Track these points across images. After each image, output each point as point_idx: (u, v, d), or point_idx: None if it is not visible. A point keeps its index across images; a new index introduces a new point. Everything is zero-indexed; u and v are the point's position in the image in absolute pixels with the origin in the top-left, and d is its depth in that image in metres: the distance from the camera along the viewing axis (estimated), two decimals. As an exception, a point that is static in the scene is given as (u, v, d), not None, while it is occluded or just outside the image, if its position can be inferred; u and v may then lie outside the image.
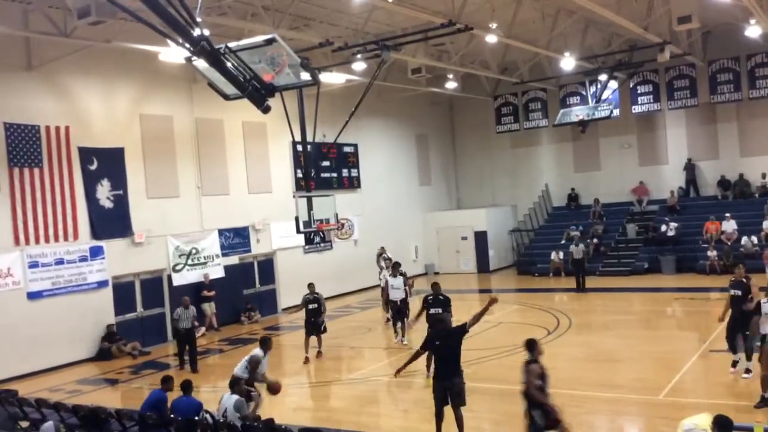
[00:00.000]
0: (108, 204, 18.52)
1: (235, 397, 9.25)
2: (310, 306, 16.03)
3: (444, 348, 9.70)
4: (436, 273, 30.41)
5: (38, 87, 17.19)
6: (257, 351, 11.01)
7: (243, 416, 9.11)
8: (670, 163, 28.65)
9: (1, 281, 16.19)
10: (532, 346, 8.62)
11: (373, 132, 28.16)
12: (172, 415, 9.68)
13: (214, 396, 12.88)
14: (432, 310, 13.10)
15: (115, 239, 18.62)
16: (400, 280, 17.05)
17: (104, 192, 18.44)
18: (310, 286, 16.47)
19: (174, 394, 10.23)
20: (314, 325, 16.01)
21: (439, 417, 9.67)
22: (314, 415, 11.84)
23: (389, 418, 11.80)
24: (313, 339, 16.19)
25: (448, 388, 9.54)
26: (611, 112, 24.85)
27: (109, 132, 18.65)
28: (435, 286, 13.84)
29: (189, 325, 15.79)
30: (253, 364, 10.80)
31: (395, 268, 17.60)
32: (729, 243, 24.59)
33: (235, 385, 9.44)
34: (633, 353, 14.61)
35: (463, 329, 9.88)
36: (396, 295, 16.96)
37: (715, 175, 27.60)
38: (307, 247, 24.75)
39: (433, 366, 10.10)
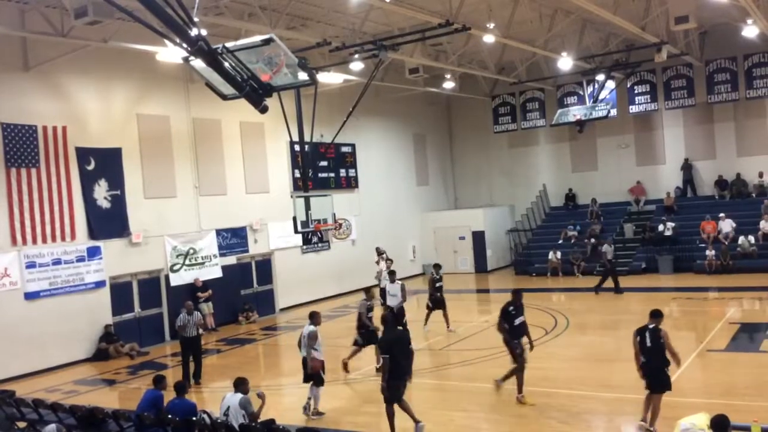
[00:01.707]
0: (105, 204, 18.50)
1: (240, 395, 9.33)
2: (370, 314, 14.45)
3: (399, 352, 10.24)
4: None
5: (35, 87, 17.16)
6: (311, 326, 11.87)
7: (249, 413, 9.17)
8: (667, 163, 28.69)
9: (-1, 281, 16.17)
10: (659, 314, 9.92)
11: (370, 132, 28.16)
12: (169, 416, 9.68)
13: (210, 396, 12.91)
14: (516, 321, 11.87)
15: (113, 239, 18.59)
16: (397, 286, 16.66)
17: (101, 192, 18.41)
18: (369, 291, 14.90)
19: (167, 394, 10.23)
20: (371, 333, 14.22)
21: (393, 415, 10.23)
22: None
23: (386, 417, 11.78)
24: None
25: (405, 386, 10.29)
26: (608, 112, 24.87)
27: (106, 132, 18.63)
28: (516, 293, 12.24)
29: (195, 332, 14.63)
30: (312, 337, 11.68)
31: (393, 275, 17.14)
32: (726, 243, 24.63)
33: (240, 384, 9.51)
34: (630, 353, 14.56)
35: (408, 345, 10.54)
36: (393, 301, 16.43)
37: (713, 175, 27.66)
38: (304, 247, 24.75)
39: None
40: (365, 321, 14.40)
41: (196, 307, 19.27)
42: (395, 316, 16.05)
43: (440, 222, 30.99)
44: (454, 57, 23.22)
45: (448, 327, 17.86)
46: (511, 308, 11.88)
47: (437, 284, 18.05)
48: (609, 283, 22.28)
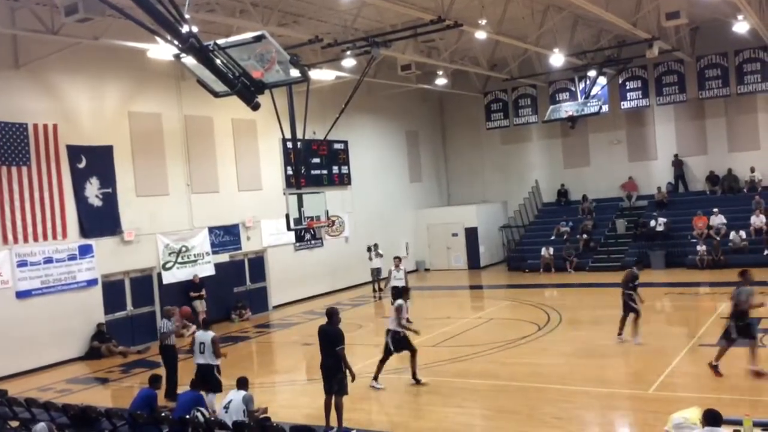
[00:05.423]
0: (97, 202, 18.42)
1: (244, 392, 9.53)
2: (748, 302, 12.01)
3: (321, 345, 10.73)
4: (427, 270, 30.47)
5: (26, 85, 17.06)
6: (400, 301, 12.76)
7: (250, 411, 9.34)
8: (659, 159, 28.80)
9: (-10, 280, 16.08)
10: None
11: (363, 129, 28.13)
12: (163, 414, 9.71)
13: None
14: None
15: (105, 237, 18.52)
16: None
17: (93, 190, 18.33)
18: (746, 273, 12.17)
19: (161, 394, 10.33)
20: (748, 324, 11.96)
21: (328, 406, 10.61)
22: (307, 413, 11.83)
23: (381, 414, 11.83)
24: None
25: (334, 382, 10.56)
26: (600, 108, 24.93)
27: (97, 130, 18.54)
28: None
29: (172, 341, 13.25)
30: (399, 310, 12.45)
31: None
32: (718, 238, 24.75)
33: (244, 382, 9.75)
34: (623, 348, 14.67)
35: (337, 342, 10.55)
36: None
37: (704, 171, 27.78)
38: (297, 244, 24.71)
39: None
40: (744, 308, 11.83)
41: (190, 305, 19.30)
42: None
43: (433, 218, 30.99)
44: (447, 53, 23.23)
45: (619, 334, 14.95)
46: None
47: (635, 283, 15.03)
48: (596, 277, 22.32)
